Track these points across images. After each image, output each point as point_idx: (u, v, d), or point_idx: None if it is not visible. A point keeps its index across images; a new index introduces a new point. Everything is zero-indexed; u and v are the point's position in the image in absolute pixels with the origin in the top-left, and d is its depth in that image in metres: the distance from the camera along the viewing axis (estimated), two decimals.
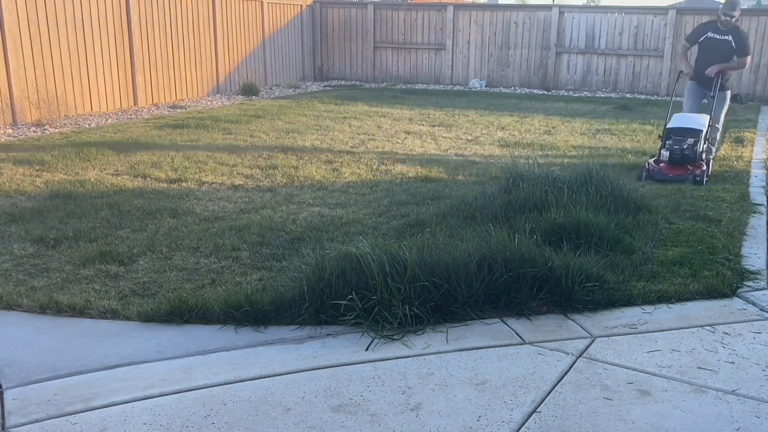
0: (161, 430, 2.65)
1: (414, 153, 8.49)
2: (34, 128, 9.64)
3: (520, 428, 2.69)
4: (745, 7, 25.91)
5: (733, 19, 7.52)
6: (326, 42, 18.72)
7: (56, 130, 9.60)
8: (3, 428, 2.64)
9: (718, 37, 7.63)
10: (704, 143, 7.19)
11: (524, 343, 3.43)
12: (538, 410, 2.81)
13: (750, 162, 8.30)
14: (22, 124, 9.82)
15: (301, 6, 17.77)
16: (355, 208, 5.80)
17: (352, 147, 8.77)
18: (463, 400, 2.88)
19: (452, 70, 18.07)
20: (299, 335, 3.47)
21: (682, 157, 7.07)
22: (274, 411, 2.79)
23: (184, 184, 6.53)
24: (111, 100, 11.71)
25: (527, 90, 17.35)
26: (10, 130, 9.40)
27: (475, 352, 3.31)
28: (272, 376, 3.07)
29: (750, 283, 4.21)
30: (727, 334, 3.56)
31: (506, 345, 3.40)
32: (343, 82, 18.45)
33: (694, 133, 7.13)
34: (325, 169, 7.34)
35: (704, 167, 7.05)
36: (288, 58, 17.50)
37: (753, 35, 15.53)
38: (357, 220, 5.41)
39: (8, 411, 2.76)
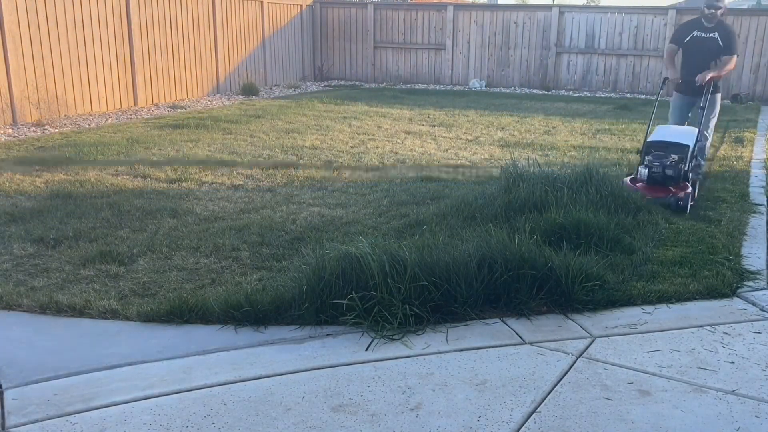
0: (161, 430, 2.65)
1: (414, 153, 8.50)
2: (34, 128, 9.64)
3: (520, 428, 2.69)
4: (745, 7, 25.96)
5: (719, 12, 6.79)
6: (326, 42, 18.72)
7: (56, 130, 9.60)
8: (3, 428, 2.64)
9: (704, 35, 6.87)
10: (691, 161, 6.12)
11: (524, 343, 3.43)
12: (538, 410, 2.81)
13: (750, 162, 8.30)
14: (22, 124, 9.82)
15: (301, 6, 17.76)
16: (355, 208, 5.80)
17: (352, 147, 8.77)
18: (463, 400, 2.89)
19: (452, 70, 18.07)
20: (299, 335, 3.47)
21: (663, 176, 5.93)
22: (274, 411, 2.79)
23: (184, 184, 6.53)
24: (111, 100, 11.71)
25: (527, 90, 17.35)
26: (10, 130, 9.40)
27: (475, 352, 3.31)
28: (272, 376, 3.07)
29: (750, 283, 4.21)
30: (727, 334, 3.56)
31: (506, 345, 3.40)
32: (343, 82, 18.45)
33: (680, 148, 6.14)
34: (325, 169, 7.35)
35: (689, 189, 5.88)
36: (288, 58, 17.50)
37: (753, 35, 15.54)
38: (357, 220, 5.41)
39: (8, 411, 2.76)
